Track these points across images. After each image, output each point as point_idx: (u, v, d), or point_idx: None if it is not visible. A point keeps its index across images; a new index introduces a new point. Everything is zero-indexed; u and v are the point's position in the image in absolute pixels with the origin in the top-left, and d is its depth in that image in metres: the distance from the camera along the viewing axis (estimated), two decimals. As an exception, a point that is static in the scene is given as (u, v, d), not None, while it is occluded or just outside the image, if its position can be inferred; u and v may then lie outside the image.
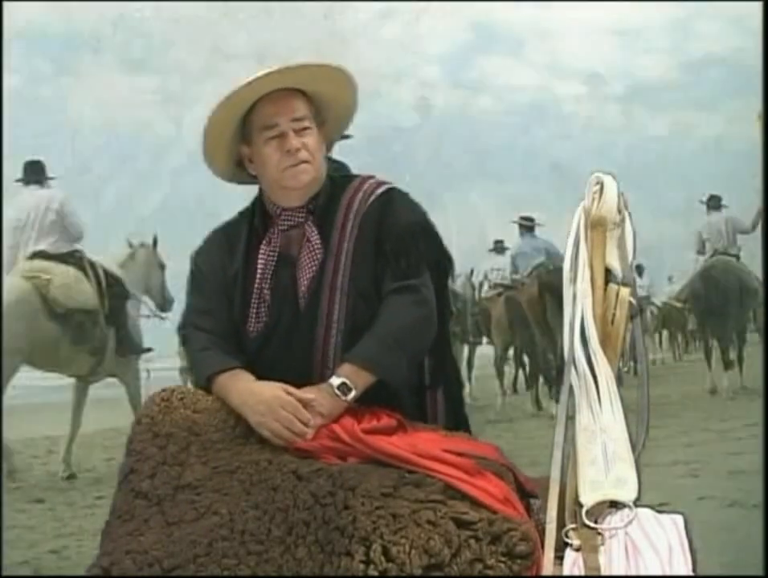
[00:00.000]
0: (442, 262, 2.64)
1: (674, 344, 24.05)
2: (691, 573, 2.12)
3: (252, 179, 2.69)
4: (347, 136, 9.55)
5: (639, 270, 21.46)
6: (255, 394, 2.42)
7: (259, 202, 2.70)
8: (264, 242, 2.61)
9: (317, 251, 2.57)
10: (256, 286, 2.58)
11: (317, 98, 2.65)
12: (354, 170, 2.90)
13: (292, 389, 2.43)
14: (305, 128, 2.60)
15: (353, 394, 2.45)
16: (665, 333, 24.10)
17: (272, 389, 2.42)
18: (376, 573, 2.08)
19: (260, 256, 2.60)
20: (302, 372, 2.50)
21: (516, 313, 11.34)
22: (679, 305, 16.05)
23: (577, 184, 2.36)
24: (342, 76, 2.64)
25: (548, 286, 10.27)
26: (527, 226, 12.65)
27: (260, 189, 2.70)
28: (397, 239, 2.55)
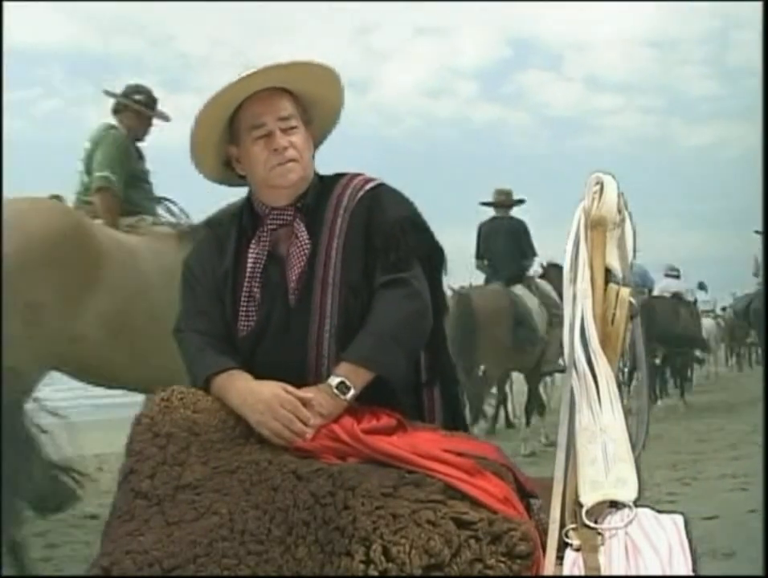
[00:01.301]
0: (434, 256, 2.64)
1: (737, 357, 24.30)
2: (691, 573, 2.10)
3: (240, 180, 2.71)
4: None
5: (702, 286, 21.53)
6: (255, 393, 2.42)
7: (247, 203, 2.71)
8: (253, 241, 2.63)
9: (305, 247, 2.58)
10: (245, 285, 2.59)
11: (304, 97, 2.67)
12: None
13: (291, 388, 2.43)
14: (292, 127, 2.62)
15: (351, 393, 2.45)
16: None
17: (272, 388, 2.43)
18: (376, 573, 2.08)
19: (249, 255, 2.61)
20: (297, 368, 2.50)
21: None
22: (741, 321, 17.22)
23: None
24: (328, 75, 2.67)
25: (646, 309, 10.72)
26: None
27: (249, 190, 2.72)
28: (385, 233, 2.56)
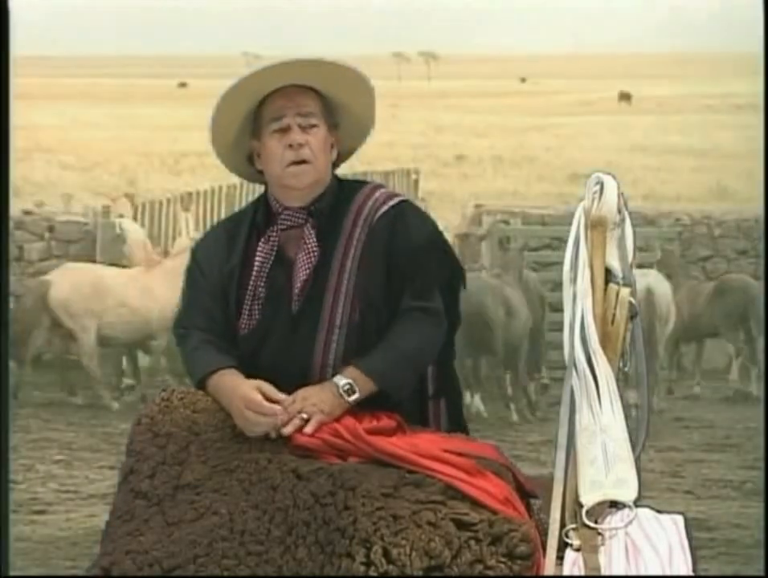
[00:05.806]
0: (455, 275, 2.64)
1: None
2: (691, 573, 2.11)
3: (261, 176, 2.67)
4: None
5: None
6: (234, 392, 2.44)
7: (263, 198, 2.68)
8: (263, 239, 2.61)
9: (313, 254, 2.56)
10: (251, 283, 2.57)
11: (331, 99, 2.63)
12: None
13: (267, 388, 2.44)
14: (312, 126, 2.58)
15: (355, 396, 2.45)
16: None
17: (244, 388, 2.44)
18: (376, 574, 2.10)
19: (258, 253, 2.59)
20: (300, 372, 2.50)
21: None
22: None
23: None
24: (357, 80, 2.63)
25: None
26: None
27: (266, 186, 2.68)
28: (411, 258, 2.55)
